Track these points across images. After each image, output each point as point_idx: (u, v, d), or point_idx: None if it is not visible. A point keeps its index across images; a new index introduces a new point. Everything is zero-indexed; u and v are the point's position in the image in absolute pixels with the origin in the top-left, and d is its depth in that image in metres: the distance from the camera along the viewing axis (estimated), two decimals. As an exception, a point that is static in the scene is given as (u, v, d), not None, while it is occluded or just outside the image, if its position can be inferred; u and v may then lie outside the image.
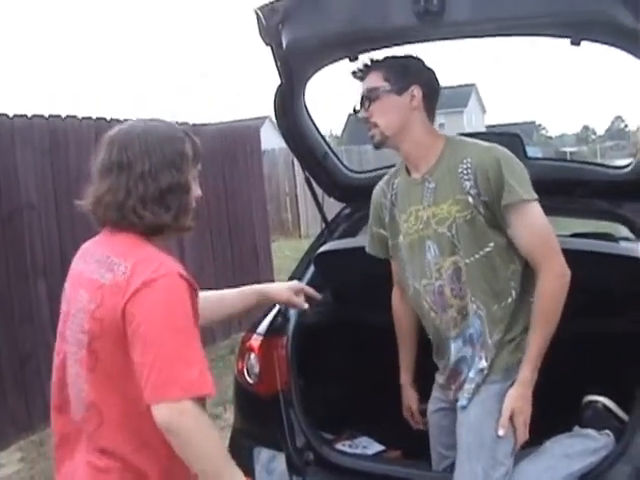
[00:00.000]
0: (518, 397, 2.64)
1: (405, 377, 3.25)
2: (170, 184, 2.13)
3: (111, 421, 2.09)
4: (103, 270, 2.10)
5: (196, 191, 2.26)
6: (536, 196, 2.62)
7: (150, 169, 2.10)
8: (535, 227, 2.63)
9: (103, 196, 2.13)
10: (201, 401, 2.03)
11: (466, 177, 2.64)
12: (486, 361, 2.70)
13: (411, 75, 2.74)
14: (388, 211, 2.96)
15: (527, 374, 2.64)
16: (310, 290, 3.12)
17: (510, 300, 2.69)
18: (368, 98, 2.74)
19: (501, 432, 2.65)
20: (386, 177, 3.03)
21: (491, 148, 2.68)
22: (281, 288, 3.05)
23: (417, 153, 2.78)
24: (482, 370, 2.71)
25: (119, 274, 2.05)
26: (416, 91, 2.73)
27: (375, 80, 2.75)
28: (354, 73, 2.84)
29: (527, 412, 2.65)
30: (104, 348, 2.06)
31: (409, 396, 3.25)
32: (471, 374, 2.75)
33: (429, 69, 2.82)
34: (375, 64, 2.79)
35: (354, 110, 2.84)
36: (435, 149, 2.76)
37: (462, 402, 2.76)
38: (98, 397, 2.09)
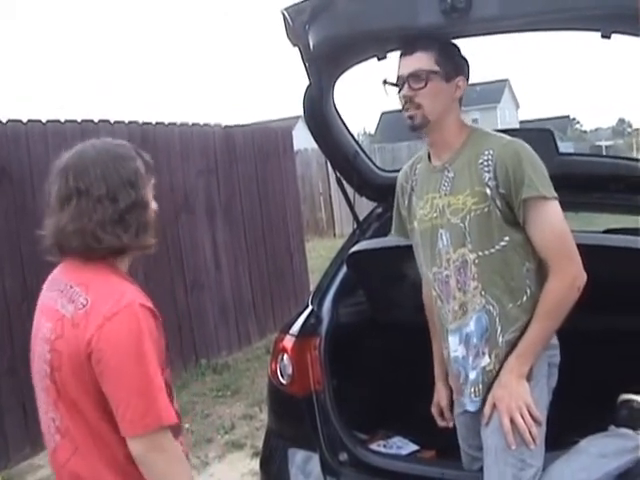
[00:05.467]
0: (497, 386, 2.62)
1: (438, 370, 3.16)
2: (129, 203, 2.12)
3: (84, 447, 2.11)
4: (64, 300, 2.11)
5: (154, 204, 2.27)
6: (556, 195, 2.58)
7: (108, 192, 2.10)
8: (551, 227, 2.59)
9: (66, 225, 2.11)
10: (174, 429, 2.10)
11: (486, 168, 2.62)
12: (490, 358, 2.66)
13: (458, 65, 2.75)
14: (407, 195, 2.97)
15: (511, 364, 2.60)
16: None
17: (525, 299, 2.64)
18: (417, 78, 2.67)
19: (484, 422, 2.66)
20: (411, 161, 3.03)
21: (513, 141, 2.66)
22: None
23: (444, 141, 2.77)
24: (485, 368, 2.68)
25: (79, 306, 2.06)
26: (461, 82, 2.73)
27: (427, 61, 2.68)
28: (403, 47, 2.77)
29: (507, 402, 2.57)
30: (64, 379, 2.08)
31: (440, 391, 3.16)
32: (472, 375, 2.72)
33: (467, 61, 2.81)
34: (427, 42, 2.72)
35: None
36: (459, 139, 2.75)
37: (470, 407, 2.75)
38: (69, 424, 2.12)
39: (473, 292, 2.66)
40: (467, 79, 2.79)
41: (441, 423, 3.19)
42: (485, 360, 2.68)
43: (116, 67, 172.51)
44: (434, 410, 3.21)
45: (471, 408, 2.75)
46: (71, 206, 2.10)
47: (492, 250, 2.63)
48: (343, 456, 3.36)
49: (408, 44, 2.75)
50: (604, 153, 35.81)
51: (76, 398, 2.07)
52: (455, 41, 2.86)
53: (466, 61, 2.81)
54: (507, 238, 2.62)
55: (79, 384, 2.05)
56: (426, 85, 2.67)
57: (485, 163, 2.63)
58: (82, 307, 2.05)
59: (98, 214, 2.08)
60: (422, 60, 2.69)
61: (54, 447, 2.18)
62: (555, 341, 2.75)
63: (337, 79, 3.54)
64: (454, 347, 2.78)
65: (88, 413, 2.07)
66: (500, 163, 2.59)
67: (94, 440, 2.09)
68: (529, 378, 2.62)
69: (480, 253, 2.64)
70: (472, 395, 2.73)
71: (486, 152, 2.64)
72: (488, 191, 2.61)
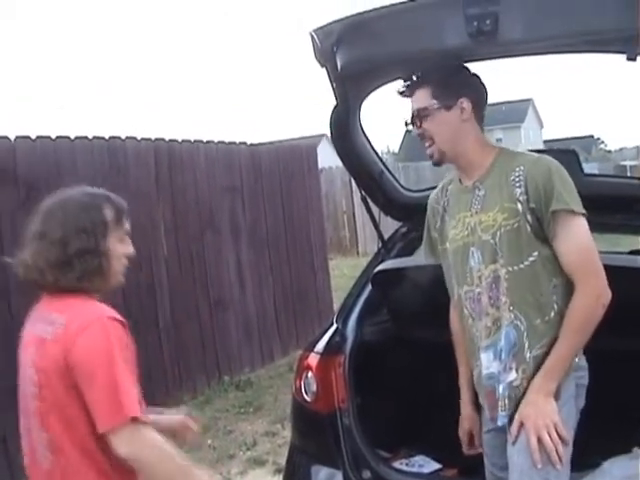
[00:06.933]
0: (525, 404, 2.62)
1: (466, 395, 3.14)
2: (79, 249, 2.37)
3: (75, 459, 2.32)
4: (45, 326, 2.36)
5: (126, 250, 2.52)
6: (584, 211, 2.61)
7: (62, 237, 2.36)
8: (577, 242, 2.61)
9: (26, 260, 2.41)
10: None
11: (517, 184, 2.65)
12: (517, 373, 2.67)
13: (458, 88, 2.79)
14: (440, 217, 3.00)
15: (538, 382, 2.61)
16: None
17: (553, 314, 2.65)
18: (419, 117, 2.79)
19: (511, 440, 2.64)
20: (441, 183, 3.07)
21: (543, 157, 2.72)
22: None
23: (470, 162, 2.82)
24: (512, 383, 2.68)
25: (58, 326, 2.31)
26: (465, 103, 2.77)
27: (423, 98, 2.78)
28: (401, 93, 2.89)
29: (534, 420, 2.57)
30: (51, 395, 2.31)
31: (467, 416, 3.14)
32: (501, 389, 2.72)
33: (474, 76, 2.86)
34: (421, 81, 2.83)
35: (405, 124, 2.89)
36: (487, 157, 2.80)
37: (500, 421, 2.74)
38: (57, 439, 2.33)
39: (504, 307, 2.69)
40: (476, 95, 2.82)
41: (468, 451, 3.18)
42: (512, 375, 2.68)
43: (116, 67, 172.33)
44: (462, 436, 3.18)
45: (499, 422, 2.75)
46: (33, 245, 2.40)
47: (521, 265, 2.65)
48: (366, 474, 3.37)
49: (407, 87, 2.87)
50: (628, 173, 35.66)
51: (66, 407, 2.29)
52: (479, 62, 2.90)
53: (474, 78, 2.86)
54: (536, 253, 2.65)
55: (67, 394, 2.28)
56: (422, 122, 2.79)
57: (517, 179, 2.66)
58: (60, 326, 2.30)
59: (50, 255, 2.36)
60: (420, 99, 2.81)
61: (49, 464, 2.37)
62: (583, 362, 2.75)
63: (364, 100, 3.57)
64: (487, 364, 2.78)
65: (76, 419, 2.29)
66: (531, 178, 2.63)
67: (81, 448, 2.31)
68: (556, 398, 2.62)
69: (510, 268, 2.66)
70: (500, 409, 2.73)
71: (517, 169, 2.68)
72: (519, 206, 2.64)
